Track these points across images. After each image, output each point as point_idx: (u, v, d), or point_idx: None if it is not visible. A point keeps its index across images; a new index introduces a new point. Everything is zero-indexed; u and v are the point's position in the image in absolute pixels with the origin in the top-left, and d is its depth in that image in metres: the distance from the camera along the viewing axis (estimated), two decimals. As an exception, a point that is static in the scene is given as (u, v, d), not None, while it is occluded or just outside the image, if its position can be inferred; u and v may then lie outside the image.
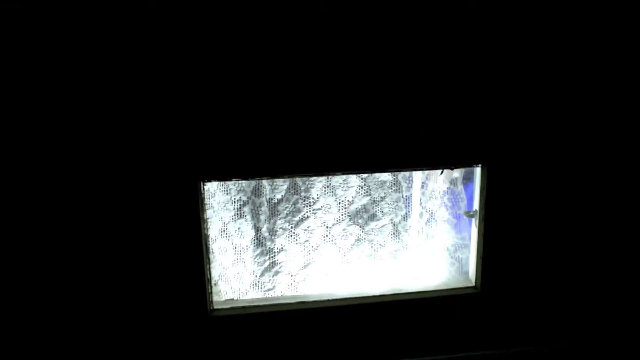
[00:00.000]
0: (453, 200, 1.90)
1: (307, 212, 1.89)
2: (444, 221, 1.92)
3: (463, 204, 1.89)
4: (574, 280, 1.90)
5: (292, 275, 1.94)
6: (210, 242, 1.77)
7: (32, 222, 1.60)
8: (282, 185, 1.85)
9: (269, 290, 1.94)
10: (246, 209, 1.87)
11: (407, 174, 1.91)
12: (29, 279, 1.65)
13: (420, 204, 1.94)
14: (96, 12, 1.46)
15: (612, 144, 1.79)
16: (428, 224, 1.95)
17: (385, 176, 1.90)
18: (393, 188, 1.92)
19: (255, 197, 1.86)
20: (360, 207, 1.91)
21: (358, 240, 1.94)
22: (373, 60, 1.60)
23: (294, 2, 1.52)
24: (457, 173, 1.88)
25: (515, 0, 1.60)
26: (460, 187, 1.88)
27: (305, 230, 1.90)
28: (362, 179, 1.88)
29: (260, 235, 1.90)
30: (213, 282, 1.79)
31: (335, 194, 1.89)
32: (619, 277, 1.92)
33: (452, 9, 1.59)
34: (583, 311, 1.95)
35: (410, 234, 1.97)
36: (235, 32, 1.52)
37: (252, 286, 1.93)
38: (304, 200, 1.88)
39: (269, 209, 1.88)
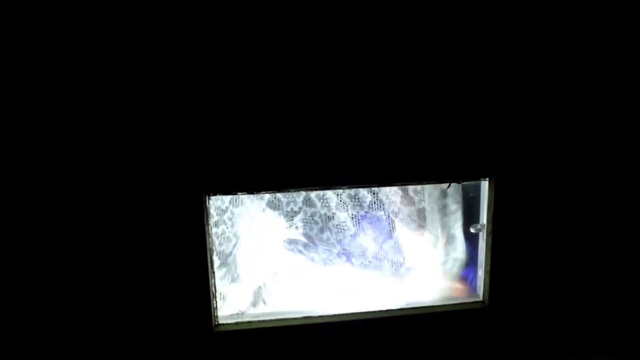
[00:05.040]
0: None
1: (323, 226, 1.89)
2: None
3: None
4: (584, 295, 1.88)
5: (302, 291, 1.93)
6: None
7: (35, 232, 1.59)
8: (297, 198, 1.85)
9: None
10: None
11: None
12: (32, 284, 1.64)
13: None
14: (97, 17, 1.46)
15: (623, 156, 1.77)
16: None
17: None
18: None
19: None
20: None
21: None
22: (379, 74, 1.60)
23: (293, 8, 1.52)
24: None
25: (527, 2, 1.60)
26: None
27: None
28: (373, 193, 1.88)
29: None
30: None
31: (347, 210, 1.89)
32: (632, 290, 1.90)
33: (459, 14, 1.58)
34: (594, 326, 1.92)
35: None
36: (240, 42, 1.52)
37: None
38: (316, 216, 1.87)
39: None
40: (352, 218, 1.88)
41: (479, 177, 1.74)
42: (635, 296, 1.91)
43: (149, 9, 1.46)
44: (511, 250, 1.80)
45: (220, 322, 1.77)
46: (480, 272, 1.86)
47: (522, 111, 1.68)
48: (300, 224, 1.88)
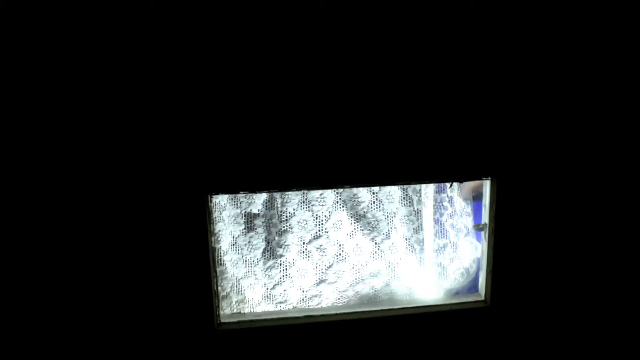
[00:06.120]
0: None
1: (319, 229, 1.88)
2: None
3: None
4: (587, 295, 1.87)
5: (303, 291, 1.93)
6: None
7: (35, 231, 1.61)
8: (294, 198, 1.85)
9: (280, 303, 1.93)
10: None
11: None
12: (31, 283, 1.65)
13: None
14: (99, 16, 1.47)
15: (626, 156, 1.76)
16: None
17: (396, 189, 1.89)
18: (403, 202, 1.90)
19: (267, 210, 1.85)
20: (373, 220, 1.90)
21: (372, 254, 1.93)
22: (380, 73, 1.60)
23: (293, 8, 1.52)
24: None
25: (527, 2, 1.59)
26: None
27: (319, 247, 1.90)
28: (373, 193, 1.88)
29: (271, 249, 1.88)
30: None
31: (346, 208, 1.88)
32: (636, 290, 1.89)
33: (460, 14, 1.58)
34: (598, 326, 1.92)
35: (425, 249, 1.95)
36: (241, 41, 1.53)
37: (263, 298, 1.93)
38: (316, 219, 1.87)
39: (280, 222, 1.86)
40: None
41: (480, 176, 1.74)
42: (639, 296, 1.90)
43: (150, 8, 1.47)
44: (514, 250, 1.79)
45: (222, 321, 1.78)
46: (483, 272, 1.86)
47: (524, 109, 1.68)
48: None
